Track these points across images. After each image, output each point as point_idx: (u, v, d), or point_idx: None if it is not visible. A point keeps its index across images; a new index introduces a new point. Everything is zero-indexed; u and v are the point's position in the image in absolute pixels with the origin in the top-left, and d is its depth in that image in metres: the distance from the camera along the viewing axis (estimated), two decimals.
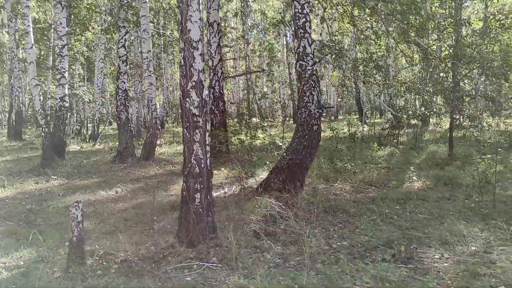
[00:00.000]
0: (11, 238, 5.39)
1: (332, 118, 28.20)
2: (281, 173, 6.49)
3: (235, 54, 41.97)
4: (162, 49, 32.67)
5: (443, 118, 17.20)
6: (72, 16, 21.89)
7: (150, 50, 13.31)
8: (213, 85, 12.29)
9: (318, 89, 7.38)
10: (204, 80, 4.41)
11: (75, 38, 22.36)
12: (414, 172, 8.74)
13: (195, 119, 4.36)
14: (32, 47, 11.18)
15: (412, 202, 6.73)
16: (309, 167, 6.84)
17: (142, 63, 14.18)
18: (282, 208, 5.79)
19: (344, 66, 9.43)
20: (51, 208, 7.09)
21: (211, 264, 4.04)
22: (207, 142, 4.46)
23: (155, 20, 28.68)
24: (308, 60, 7.40)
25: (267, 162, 8.14)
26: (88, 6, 22.75)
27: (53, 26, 13.30)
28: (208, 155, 4.47)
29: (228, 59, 19.47)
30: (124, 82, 13.48)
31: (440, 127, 17.14)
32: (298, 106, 7.32)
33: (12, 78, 23.01)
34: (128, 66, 13.75)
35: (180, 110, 4.85)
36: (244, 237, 4.74)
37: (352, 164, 9.36)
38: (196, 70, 4.34)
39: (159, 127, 13.60)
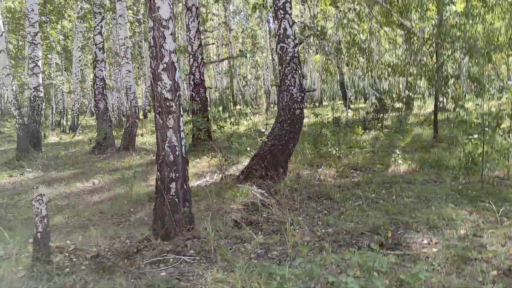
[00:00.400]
0: None
1: (317, 104, 28.03)
2: (263, 160, 6.25)
3: (217, 42, 41.40)
4: (143, 38, 31.97)
5: (427, 100, 17.14)
6: (48, 3, 21.15)
7: (127, 37, 12.86)
8: (193, 71, 11.94)
9: (300, 72, 7.13)
10: (177, 62, 4.11)
11: (51, 26, 21.62)
12: (400, 155, 8.58)
13: (167, 104, 4.07)
14: (2, 35, 10.65)
15: (398, 186, 6.56)
16: (292, 152, 6.61)
17: (119, 50, 13.71)
18: (264, 195, 5.56)
19: (327, 49, 9.17)
20: (23, 202, 6.75)
21: (188, 257, 3.79)
22: (181, 128, 4.18)
23: (134, 8, 27.99)
24: (289, 42, 7.14)
25: (248, 149, 7.89)
26: None
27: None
28: (183, 142, 4.19)
29: (208, 44, 19.03)
30: (102, 70, 13.03)
31: (424, 109, 17.08)
32: (280, 90, 7.06)
33: None
34: (105, 54, 13.29)
35: None
36: (224, 227, 4.50)
37: (337, 149, 9.17)
38: (167, 51, 4.04)
39: (139, 116, 13.20)
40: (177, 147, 4.14)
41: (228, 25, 35.13)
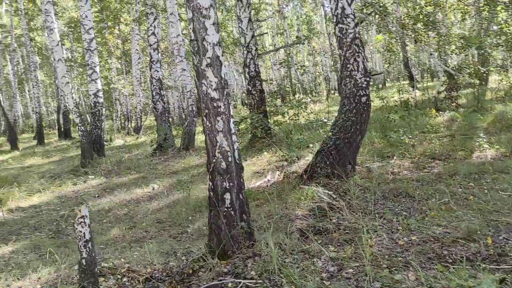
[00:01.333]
0: (35, 254, 4.92)
1: (380, 86, 26.54)
2: (328, 156, 5.60)
3: (272, 31, 40.71)
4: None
5: (507, 73, 15.39)
6: (104, 10, 21.67)
7: (179, 34, 12.64)
8: (248, 64, 11.45)
9: (363, 54, 6.37)
10: (222, 55, 3.59)
11: (108, 31, 22.15)
12: (484, 138, 7.53)
13: (214, 104, 3.57)
14: (58, 45, 10.79)
15: (489, 176, 5.65)
16: (360, 145, 5.89)
17: (173, 48, 13.55)
18: (332, 197, 4.93)
19: (390, 26, 8.25)
20: None
21: (249, 281, 3.28)
22: (233, 131, 3.66)
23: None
24: (349, 22, 6.40)
25: (310, 145, 7.25)
26: None
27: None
28: (235, 146, 3.68)
29: (262, 34, 18.47)
30: (158, 71, 12.95)
31: (501, 83, 15.36)
32: (342, 76, 6.34)
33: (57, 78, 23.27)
34: (159, 54, 13.19)
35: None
36: (289, 240, 3.94)
37: (410, 136, 8.27)
38: (210, 44, 3.52)
39: (196, 114, 12.99)
40: (229, 153, 3.63)
41: (282, 13, 34.36)
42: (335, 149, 5.61)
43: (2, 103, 30.24)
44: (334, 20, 6.68)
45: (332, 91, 28.43)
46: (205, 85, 3.56)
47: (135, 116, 22.47)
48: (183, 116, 26.89)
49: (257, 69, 11.49)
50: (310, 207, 4.71)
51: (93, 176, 9.67)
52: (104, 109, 12.29)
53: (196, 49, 3.55)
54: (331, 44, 35.40)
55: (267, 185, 6.80)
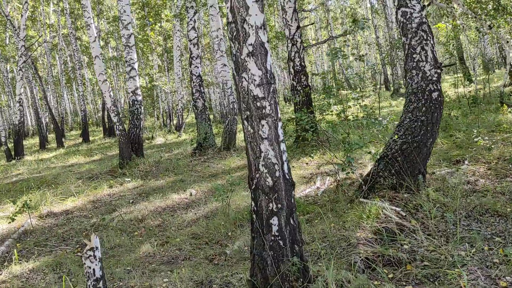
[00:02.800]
0: (55, 274, 4.34)
1: None
2: (393, 163, 4.68)
3: (315, 25, 39.53)
4: None
5: None
6: (145, 6, 21.44)
7: (219, 28, 11.97)
8: (293, 57, 10.61)
9: (432, 41, 5.39)
10: (268, 41, 2.79)
11: (150, 28, 21.91)
12: None
13: (258, 104, 2.79)
14: (95, 41, 10.39)
15: None
16: (431, 150, 4.93)
17: (213, 43, 12.90)
18: (401, 215, 4.03)
19: (460, 10, 7.15)
20: (116, 222, 6.06)
21: None
22: (281, 138, 2.87)
23: None
24: (414, 5, 5.44)
25: (372, 150, 6.33)
26: None
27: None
28: (284, 157, 2.89)
29: (307, 26, 17.51)
30: (197, 67, 12.35)
31: None
32: (406, 69, 5.39)
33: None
34: (200, 50, 12.58)
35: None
36: (352, 275, 3.11)
37: (483, 136, 7.16)
38: (252, 26, 2.74)
39: (238, 112, 12.27)
40: (276, 166, 2.84)
41: (326, 6, 33.18)
42: (402, 154, 4.68)
43: (49, 101, 30.96)
44: (396, 4, 5.73)
45: (379, 86, 26.98)
46: (245, 79, 2.79)
47: (176, 114, 22.14)
48: (224, 114, 26.45)
49: (302, 63, 10.63)
50: (375, 228, 3.84)
51: (129, 179, 9.17)
52: (142, 108, 11.82)
53: (234, 33, 2.78)
54: (378, 37, 33.91)
55: (317, 194, 5.96)
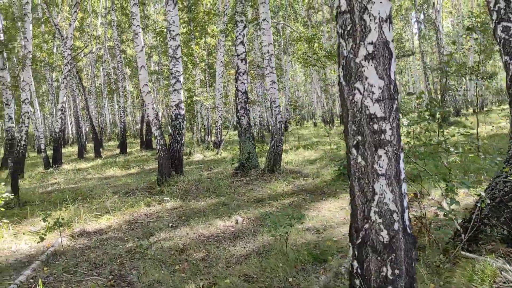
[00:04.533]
0: None
1: (475, 110, 23.45)
2: (502, 209, 3.75)
3: None
4: (283, 50, 31.10)
5: None
6: (192, 21, 21.27)
7: (271, 43, 11.33)
8: None
9: None
10: (392, 41, 2.02)
11: (195, 42, 21.67)
12: None
13: (375, 127, 2.00)
14: (142, 50, 9.96)
15: None
16: None
17: (263, 58, 12.27)
18: None
19: None
20: (154, 250, 5.34)
21: None
22: (403, 175, 2.05)
23: (274, 17, 27.19)
24: None
25: (481, 190, 5.38)
26: (207, 11, 21.98)
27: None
28: (405, 202, 2.07)
29: None
30: (244, 83, 11.72)
31: None
32: (511, 94, 4.50)
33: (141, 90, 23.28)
34: (247, 65, 11.97)
35: (340, 110, 2.47)
36: None
37: None
38: (375, 18, 1.97)
39: (284, 132, 11.51)
40: (395, 215, 2.03)
41: None
42: None
43: (90, 111, 31.28)
44: (495, 17, 4.89)
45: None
46: (359, 91, 2.01)
47: (215, 130, 21.63)
48: (263, 133, 25.76)
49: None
50: None
51: (168, 198, 8.51)
52: (185, 122, 11.25)
53: (348, 28, 2.02)
54: (425, 63, 32.80)
55: None
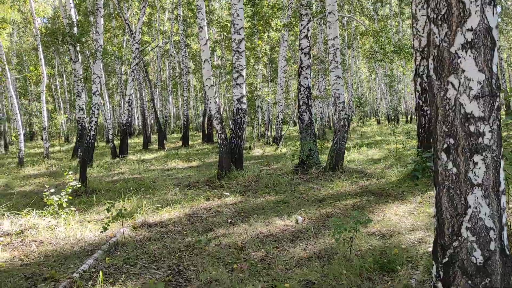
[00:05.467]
0: None
1: None
2: None
3: None
4: (347, 45, 30.28)
5: None
6: (256, 15, 21.21)
7: (336, 36, 10.93)
8: (420, 73, 9.22)
9: None
10: (495, 27, 1.70)
11: (258, 36, 21.60)
12: None
13: (471, 129, 1.70)
14: (206, 44, 9.98)
15: None
16: None
17: (327, 52, 11.89)
18: None
19: None
20: (213, 246, 5.27)
21: None
22: (503, 187, 1.73)
23: (339, 10, 26.46)
24: None
25: None
26: (271, 4, 21.83)
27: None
28: (504, 218, 1.75)
29: None
30: (307, 78, 11.45)
31: None
32: None
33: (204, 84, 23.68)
34: (311, 60, 11.67)
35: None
36: None
37: None
38: (475, 0, 1.67)
39: (348, 129, 11.09)
40: (492, 232, 1.72)
41: None
42: None
43: (156, 104, 32.35)
44: None
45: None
46: (453, 86, 1.72)
47: (275, 126, 21.50)
48: (325, 129, 25.24)
49: None
50: None
51: (227, 193, 8.46)
52: (246, 117, 11.18)
53: (443, 11, 1.72)
54: (501, 59, 30.58)
55: None
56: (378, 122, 36.16)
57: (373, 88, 47.55)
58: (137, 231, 6.19)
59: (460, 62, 1.72)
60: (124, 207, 6.00)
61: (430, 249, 4.43)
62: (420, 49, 9.17)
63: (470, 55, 1.70)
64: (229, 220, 6.53)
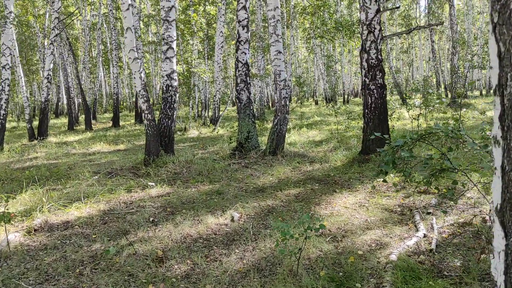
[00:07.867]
0: None
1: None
2: None
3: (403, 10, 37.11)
4: (286, 24, 29.46)
5: None
6: None
7: (277, 7, 9.93)
8: (367, 48, 8.51)
9: None
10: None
11: (193, 9, 20.12)
12: None
13: None
14: (128, 9, 8.58)
15: None
16: None
17: (266, 25, 10.90)
18: None
19: None
20: (125, 257, 4.17)
21: None
22: None
23: None
24: None
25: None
26: None
27: None
28: None
29: (390, 9, 15.22)
30: (245, 54, 10.39)
31: None
32: None
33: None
34: (249, 34, 10.61)
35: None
36: None
37: None
38: None
39: (289, 110, 10.26)
40: None
41: None
42: None
43: (83, 81, 29.80)
44: None
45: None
46: None
47: (213, 106, 20.33)
48: (264, 110, 24.42)
49: (379, 56, 8.50)
50: None
51: (153, 183, 7.32)
52: (177, 95, 9.97)
53: None
54: (433, 41, 31.32)
55: (431, 250, 3.88)
56: (316, 103, 36.04)
57: (311, 68, 47.47)
58: (33, 236, 4.92)
59: None
60: (6, 208, 4.69)
61: (394, 258, 3.65)
62: (367, 22, 8.44)
63: None
64: (151, 219, 5.43)
